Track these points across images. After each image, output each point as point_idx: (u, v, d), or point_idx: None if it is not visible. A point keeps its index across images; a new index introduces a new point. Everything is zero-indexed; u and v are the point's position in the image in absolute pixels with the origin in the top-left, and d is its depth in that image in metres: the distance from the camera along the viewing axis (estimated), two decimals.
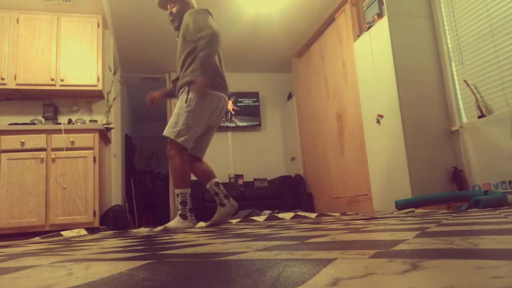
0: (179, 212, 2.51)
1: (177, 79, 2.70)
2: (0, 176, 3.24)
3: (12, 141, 3.33)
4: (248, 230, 1.72)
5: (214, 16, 2.69)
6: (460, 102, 3.36)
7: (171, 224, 2.46)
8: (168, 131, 2.53)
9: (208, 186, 2.68)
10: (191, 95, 2.50)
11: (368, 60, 3.72)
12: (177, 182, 2.53)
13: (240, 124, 6.22)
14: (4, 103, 3.92)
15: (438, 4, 3.56)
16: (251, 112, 6.29)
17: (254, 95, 6.26)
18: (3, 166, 3.26)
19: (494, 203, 2.46)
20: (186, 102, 2.50)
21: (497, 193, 2.70)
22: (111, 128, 4.07)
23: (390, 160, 3.40)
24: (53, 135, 3.43)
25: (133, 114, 7.99)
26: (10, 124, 3.58)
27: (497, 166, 2.90)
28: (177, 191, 2.53)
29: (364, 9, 3.94)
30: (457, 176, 3.21)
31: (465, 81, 3.24)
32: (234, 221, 3.18)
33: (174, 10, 2.76)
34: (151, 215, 6.82)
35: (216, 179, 2.71)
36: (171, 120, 2.55)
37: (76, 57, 3.87)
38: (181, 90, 2.58)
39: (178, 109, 2.55)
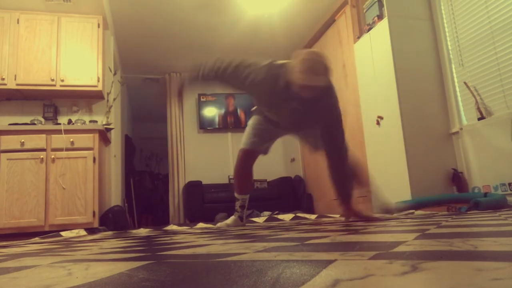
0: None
1: None
2: None
3: (12, 141, 3.32)
4: (247, 231, 1.72)
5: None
6: (460, 104, 3.36)
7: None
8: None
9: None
10: None
11: (368, 62, 3.72)
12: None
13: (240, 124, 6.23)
14: (4, 103, 3.92)
15: (438, 6, 3.56)
16: (251, 113, 6.28)
17: None
18: (3, 166, 3.26)
19: (494, 205, 2.46)
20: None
21: (497, 195, 2.70)
22: (111, 129, 4.07)
23: (390, 161, 3.40)
24: (53, 136, 3.43)
25: (133, 114, 7.98)
26: (10, 124, 3.58)
27: (497, 168, 2.90)
28: None
29: (365, 10, 3.95)
30: (457, 178, 3.21)
31: (465, 83, 3.24)
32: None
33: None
34: (150, 215, 6.82)
35: None
36: None
37: (76, 57, 3.87)
38: None
39: None
